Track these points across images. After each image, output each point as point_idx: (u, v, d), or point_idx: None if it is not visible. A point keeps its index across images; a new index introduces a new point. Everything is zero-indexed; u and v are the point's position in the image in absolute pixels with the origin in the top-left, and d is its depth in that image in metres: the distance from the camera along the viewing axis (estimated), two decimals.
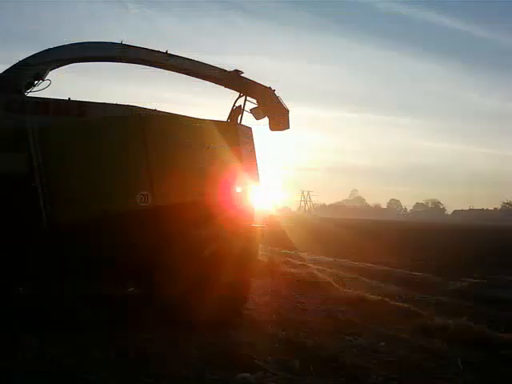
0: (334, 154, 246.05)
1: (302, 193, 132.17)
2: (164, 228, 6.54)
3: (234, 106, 8.03)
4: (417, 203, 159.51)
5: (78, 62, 7.60)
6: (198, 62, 7.92)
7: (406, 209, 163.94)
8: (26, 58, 7.10)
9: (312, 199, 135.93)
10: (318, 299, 9.08)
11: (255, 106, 8.09)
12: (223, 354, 5.40)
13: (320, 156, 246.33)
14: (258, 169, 7.58)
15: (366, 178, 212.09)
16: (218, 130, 7.16)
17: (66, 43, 7.30)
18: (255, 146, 7.62)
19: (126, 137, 6.66)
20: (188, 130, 6.95)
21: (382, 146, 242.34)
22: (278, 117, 8.17)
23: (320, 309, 8.30)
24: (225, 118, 7.97)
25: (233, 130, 7.47)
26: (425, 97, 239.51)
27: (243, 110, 7.95)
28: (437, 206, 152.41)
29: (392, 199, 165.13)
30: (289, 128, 8.24)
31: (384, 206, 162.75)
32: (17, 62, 7.07)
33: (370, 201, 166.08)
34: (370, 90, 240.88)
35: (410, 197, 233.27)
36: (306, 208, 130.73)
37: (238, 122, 7.78)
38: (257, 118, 8.15)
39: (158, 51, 7.65)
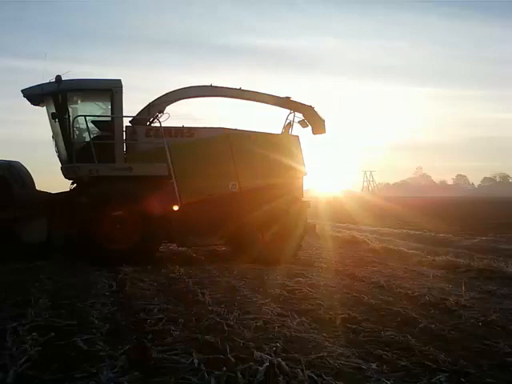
0: (397, 131, 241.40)
1: (365, 173, 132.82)
2: (247, 203, 10.61)
3: (286, 120, 11.88)
4: (484, 178, 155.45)
5: (183, 99, 11.69)
6: (261, 93, 11.79)
7: (473, 184, 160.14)
8: (153, 101, 11.28)
9: (375, 179, 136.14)
10: (353, 250, 12.85)
11: (301, 118, 11.91)
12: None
13: (382, 134, 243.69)
14: (305, 163, 11.41)
15: (430, 154, 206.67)
16: (277, 138, 11.24)
17: (179, 87, 11.38)
18: (302, 149, 11.47)
19: (220, 148, 10.71)
20: (259, 140, 10.97)
21: (444, 121, 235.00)
22: (318, 125, 11.95)
23: (352, 254, 12.07)
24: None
25: (287, 138, 11.43)
26: (487, 66, 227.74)
27: (293, 122, 11.79)
28: (505, 180, 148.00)
29: (458, 175, 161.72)
30: (325, 132, 12.01)
31: (450, 182, 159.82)
32: (146, 104, 11.28)
33: (436, 177, 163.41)
34: (431, 63, 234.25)
35: (476, 171, 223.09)
36: (370, 188, 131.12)
37: (290, 132, 11.66)
38: (303, 127, 11.99)
39: (235, 88, 11.59)
